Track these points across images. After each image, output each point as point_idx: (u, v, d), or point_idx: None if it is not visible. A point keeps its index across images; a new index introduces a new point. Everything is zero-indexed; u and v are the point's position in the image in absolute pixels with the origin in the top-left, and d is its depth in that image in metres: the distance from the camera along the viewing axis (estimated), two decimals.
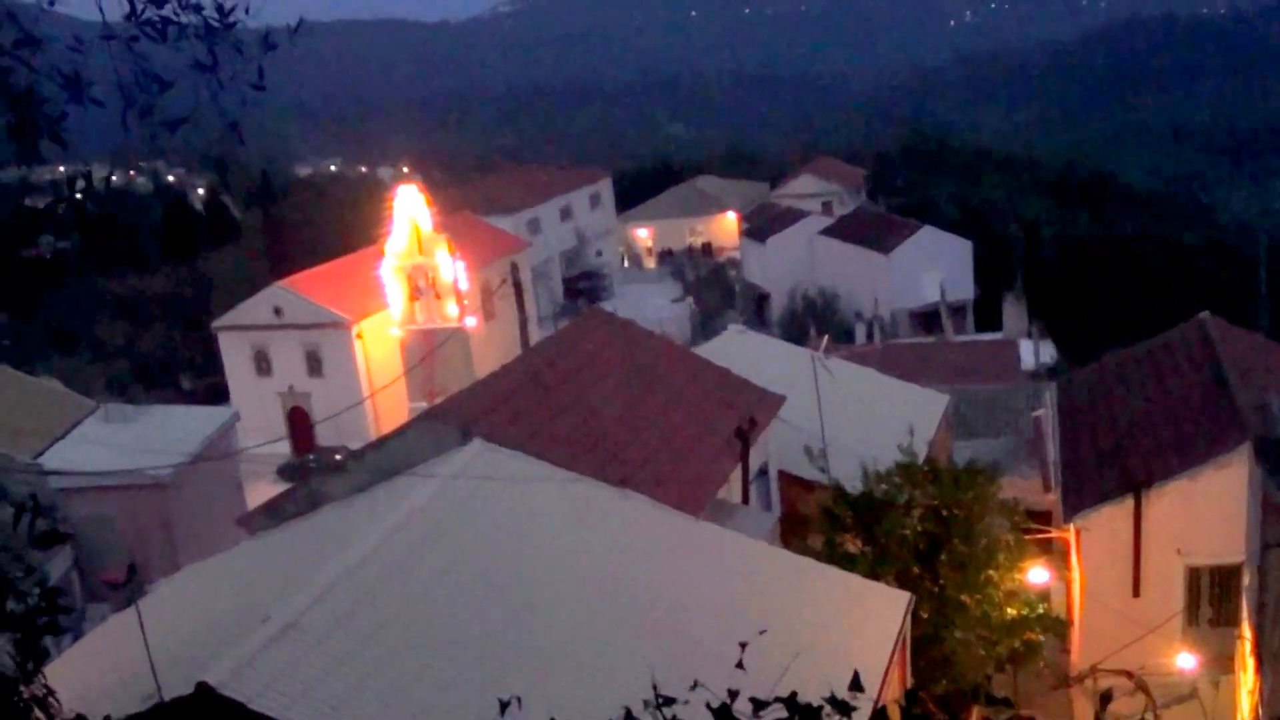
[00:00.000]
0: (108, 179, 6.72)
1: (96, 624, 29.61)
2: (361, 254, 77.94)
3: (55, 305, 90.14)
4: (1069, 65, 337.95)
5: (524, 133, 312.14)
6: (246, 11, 7.13)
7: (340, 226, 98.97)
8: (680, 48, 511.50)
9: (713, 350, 43.00)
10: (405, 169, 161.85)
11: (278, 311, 73.53)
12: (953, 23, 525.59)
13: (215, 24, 7.12)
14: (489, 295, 75.37)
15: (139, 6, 6.98)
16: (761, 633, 9.17)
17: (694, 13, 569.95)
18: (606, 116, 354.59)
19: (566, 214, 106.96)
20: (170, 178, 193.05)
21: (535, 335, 76.61)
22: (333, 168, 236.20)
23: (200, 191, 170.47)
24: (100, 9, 6.81)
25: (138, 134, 6.88)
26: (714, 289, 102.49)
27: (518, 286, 79.76)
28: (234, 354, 75.84)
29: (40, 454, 50.16)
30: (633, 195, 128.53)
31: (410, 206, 68.55)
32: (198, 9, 7.08)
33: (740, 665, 6.67)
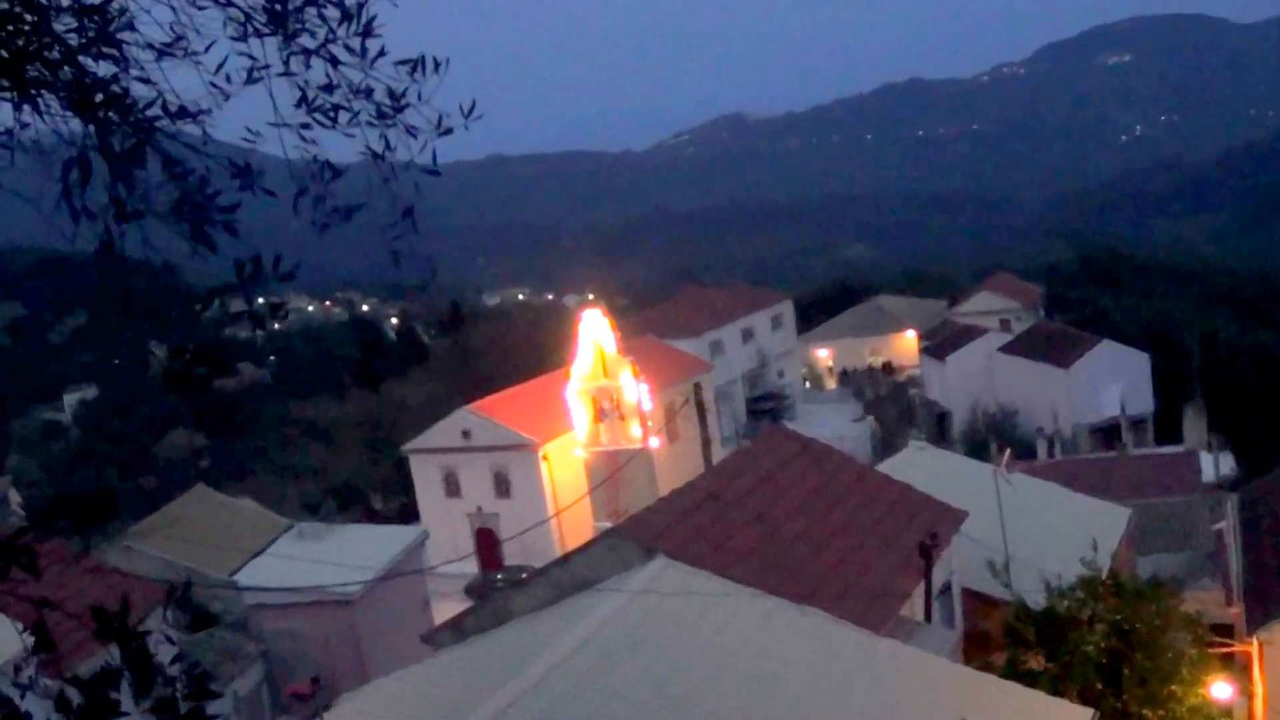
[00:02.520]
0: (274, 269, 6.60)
1: None
2: (548, 378, 78.55)
3: (254, 429, 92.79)
4: (1238, 174, 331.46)
5: (706, 256, 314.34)
6: (420, 97, 6.97)
7: (527, 352, 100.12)
8: (856, 169, 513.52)
9: (894, 467, 42.32)
10: (590, 295, 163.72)
11: (466, 435, 74.25)
12: (1123, 138, 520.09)
13: (387, 110, 6.99)
14: (672, 416, 75.30)
15: (310, 94, 6.89)
16: None
17: (869, 135, 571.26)
18: (786, 238, 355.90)
19: (748, 336, 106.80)
20: (365, 306, 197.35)
21: (718, 455, 76.23)
22: (520, 296, 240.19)
23: (393, 321, 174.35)
24: (271, 96, 6.73)
25: (310, 221, 6.77)
26: (894, 407, 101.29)
27: (700, 407, 79.54)
28: (424, 476, 76.66)
29: (236, 571, 51.03)
30: (813, 316, 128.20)
31: (595, 331, 69.02)
32: (369, 94, 6.96)
33: None
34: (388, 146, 6.93)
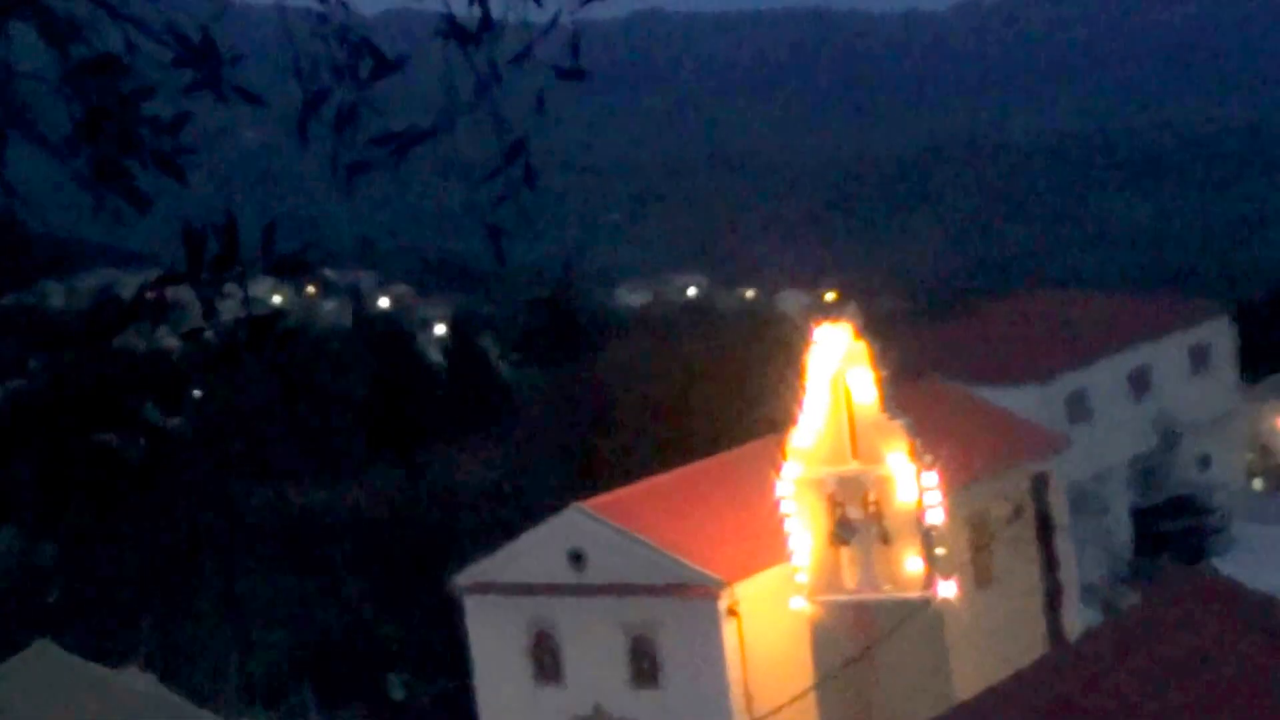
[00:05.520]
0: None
1: None
2: (739, 454, 78.47)
3: (158, 532, 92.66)
4: None
5: (1059, 225, 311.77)
6: None
7: (699, 401, 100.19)
8: None
9: None
10: (828, 294, 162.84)
11: (578, 560, 74.21)
12: None
13: None
14: (985, 540, 74.93)
15: None
16: None
17: None
18: (1214, 197, 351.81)
19: (1141, 384, 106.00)
20: (384, 301, 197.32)
21: (1075, 620, 75.72)
22: (690, 291, 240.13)
23: (439, 331, 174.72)
24: None
25: (333, 159, 6.66)
26: None
27: (1044, 523, 79.06)
28: (491, 635, 76.79)
29: None
30: (1272, 349, 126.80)
31: (837, 364, 68.81)
32: None
33: None
34: (486, 20, 6.72)
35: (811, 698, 64.57)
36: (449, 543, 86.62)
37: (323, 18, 6.57)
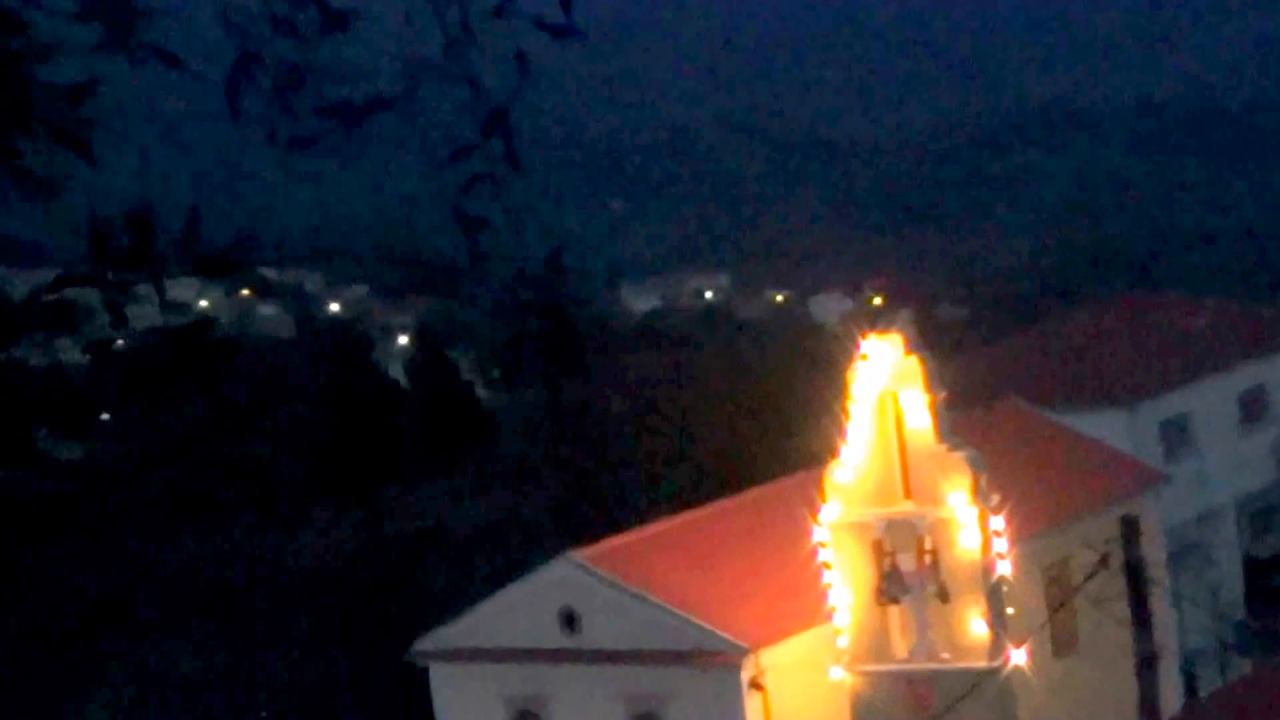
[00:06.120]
0: None
1: None
2: (764, 493, 78.46)
3: (55, 590, 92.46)
4: None
5: (1144, 215, 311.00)
6: None
7: (716, 427, 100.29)
8: None
9: None
10: (876, 299, 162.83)
11: (571, 622, 74.22)
12: None
13: None
14: (1065, 597, 74.97)
15: None
16: None
17: None
18: None
19: (1253, 407, 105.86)
20: (335, 305, 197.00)
21: (1174, 694, 75.73)
22: (709, 294, 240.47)
23: (403, 341, 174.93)
24: None
25: (271, 132, 6.65)
26: None
27: (1136, 576, 79.09)
28: (464, 712, 76.72)
29: None
30: None
31: (885, 384, 68.72)
32: None
33: None
34: None
35: None
36: (414, 600, 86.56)
37: None
